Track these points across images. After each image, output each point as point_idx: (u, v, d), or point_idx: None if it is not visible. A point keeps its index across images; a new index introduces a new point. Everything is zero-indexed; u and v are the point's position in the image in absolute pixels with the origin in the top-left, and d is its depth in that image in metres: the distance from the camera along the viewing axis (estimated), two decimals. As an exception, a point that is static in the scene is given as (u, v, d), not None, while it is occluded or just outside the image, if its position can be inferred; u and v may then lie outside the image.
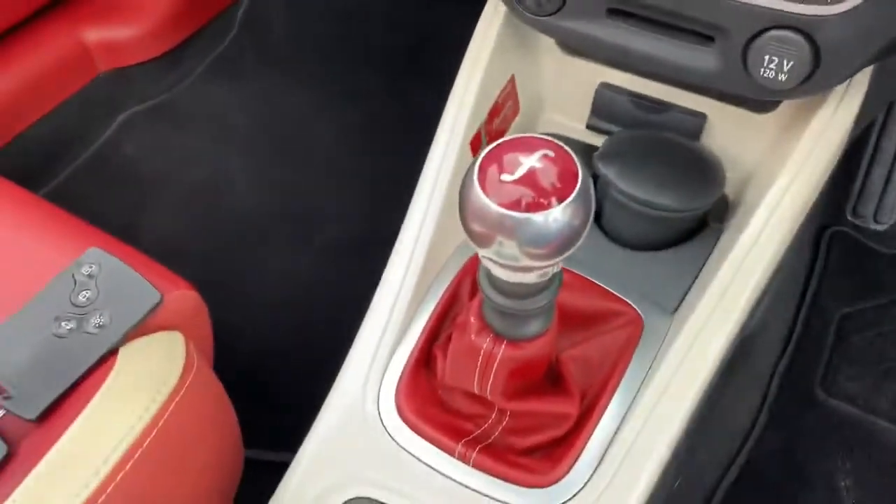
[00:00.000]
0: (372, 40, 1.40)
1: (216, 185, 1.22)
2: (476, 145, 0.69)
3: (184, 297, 0.63)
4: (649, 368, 0.60)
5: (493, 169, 0.39)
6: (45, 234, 0.64)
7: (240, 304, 1.03)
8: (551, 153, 0.39)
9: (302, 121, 1.30)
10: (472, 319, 0.51)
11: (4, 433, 0.52)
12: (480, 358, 0.51)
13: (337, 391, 0.61)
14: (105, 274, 0.59)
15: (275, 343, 1.05)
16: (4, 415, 0.53)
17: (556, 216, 0.38)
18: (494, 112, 0.71)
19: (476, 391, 0.54)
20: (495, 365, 0.51)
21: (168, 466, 0.55)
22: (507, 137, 0.41)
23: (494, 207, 0.38)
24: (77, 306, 0.57)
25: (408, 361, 0.61)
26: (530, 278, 0.43)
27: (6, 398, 0.53)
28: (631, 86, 0.74)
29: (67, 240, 0.63)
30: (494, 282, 0.46)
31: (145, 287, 0.58)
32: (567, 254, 0.41)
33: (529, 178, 0.39)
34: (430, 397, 0.60)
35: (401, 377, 0.61)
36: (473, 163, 0.40)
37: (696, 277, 0.66)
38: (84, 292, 0.58)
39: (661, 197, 0.65)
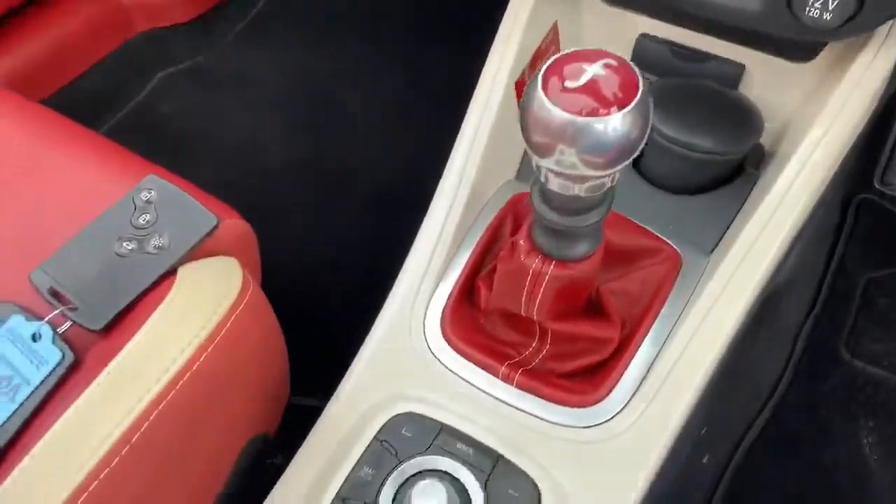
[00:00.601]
0: (402, 4, 1.41)
1: (250, 143, 1.24)
2: (520, 88, 0.70)
3: (235, 226, 0.65)
4: (686, 304, 0.62)
5: (555, 79, 0.41)
6: (103, 163, 0.66)
7: (276, 255, 1.05)
8: (614, 62, 0.40)
9: (333, 82, 1.32)
10: (521, 242, 0.53)
11: (72, 343, 0.55)
12: (529, 278, 0.53)
13: (384, 318, 0.63)
14: (162, 199, 0.61)
15: (313, 289, 1.07)
16: (71, 325, 0.55)
17: (616, 125, 0.40)
18: (538, 57, 0.72)
19: (522, 312, 0.56)
20: (543, 284, 0.53)
21: (222, 381, 0.57)
22: (567, 51, 0.42)
23: (557, 112, 0.40)
24: (138, 228, 0.59)
25: (452, 292, 0.63)
26: (585, 191, 0.44)
27: (72, 310, 0.56)
28: (670, 37, 0.75)
29: (125, 169, 0.65)
30: (548, 197, 0.47)
31: (202, 212, 0.60)
32: (623, 164, 0.42)
33: (592, 87, 0.40)
34: (473, 325, 0.62)
35: (445, 306, 0.62)
36: (536, 74, 0.41)
37: (733, 220, 0.67)
38: (144, 216, 0.60)
39: (700, 139, 0.66)
